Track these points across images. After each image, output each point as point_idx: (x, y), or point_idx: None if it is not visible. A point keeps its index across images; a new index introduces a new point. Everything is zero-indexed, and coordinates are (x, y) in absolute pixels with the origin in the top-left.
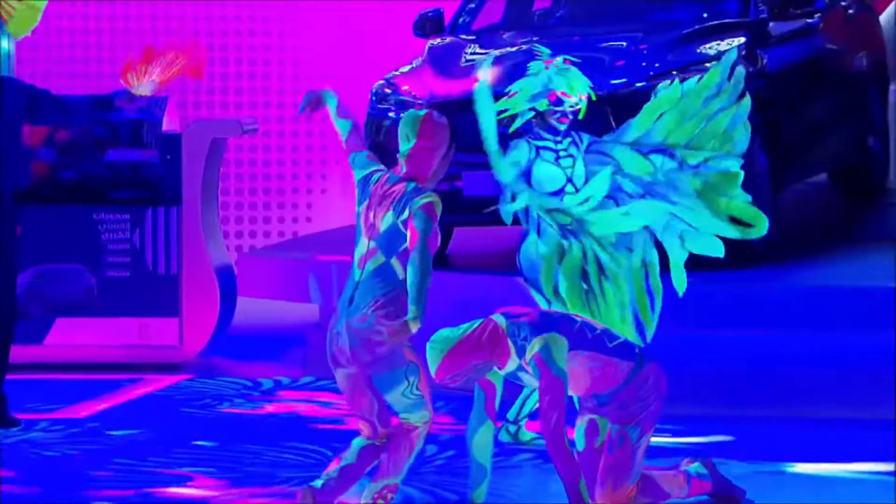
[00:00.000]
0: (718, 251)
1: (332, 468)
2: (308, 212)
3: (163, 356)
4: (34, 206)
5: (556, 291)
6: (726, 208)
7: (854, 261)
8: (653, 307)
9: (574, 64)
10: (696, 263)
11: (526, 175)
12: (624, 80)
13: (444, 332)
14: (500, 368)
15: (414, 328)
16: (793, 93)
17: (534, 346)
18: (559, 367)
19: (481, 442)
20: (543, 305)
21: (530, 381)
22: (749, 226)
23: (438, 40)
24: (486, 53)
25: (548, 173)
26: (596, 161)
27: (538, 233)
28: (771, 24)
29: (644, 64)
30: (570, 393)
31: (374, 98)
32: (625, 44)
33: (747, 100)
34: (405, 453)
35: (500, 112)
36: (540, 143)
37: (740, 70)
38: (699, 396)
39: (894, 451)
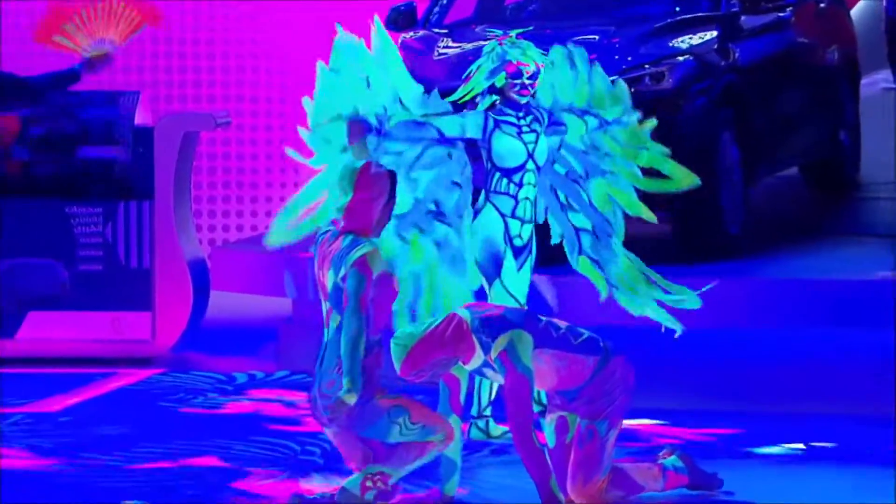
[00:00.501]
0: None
1: (329, 491)
2: (281, 205)
3: (135, 350)
4: (6, 200)
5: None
6: (649, 161)
7: (825, 255)
8: None
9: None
10: (667, 259)
11: (487, 148)
12: None
13: (408, 329)
14: (464, 364)
15: (350, 401)
16: (764, 86)
17: (499, 344)
18: (525, 364)
19: None
20: (486, 288)
21: (495, 377)
22: (666, 178)
23: (411, 34)
24: (458, 47)
25: (509, 147)
26: (553, 132)
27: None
28: (742, 18)
29: (616, 57)
30: (537, 388)
31: None
32: (597, 37)
33: (597, 65)
34: (413, 455)
35: (460, 97)
36: (501, 118)
37: (571, 47)
38: (674, 391)
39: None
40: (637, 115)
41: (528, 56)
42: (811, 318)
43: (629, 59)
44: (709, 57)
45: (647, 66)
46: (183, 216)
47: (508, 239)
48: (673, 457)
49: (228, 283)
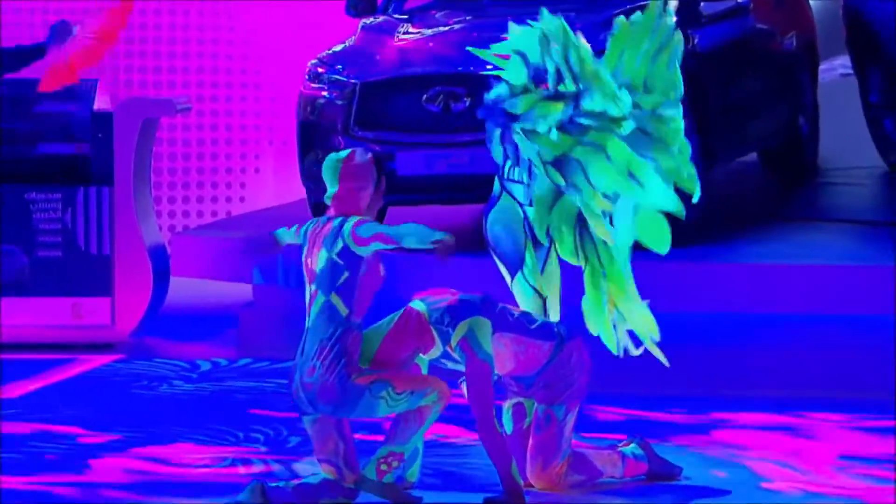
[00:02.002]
0: (662, 245)
1: (293, 482)
2: (241, 191)
3: (95, 336)
4: None
5: (547, 234)
6: (672, 165)
7: (783, 240)
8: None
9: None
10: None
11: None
12: None
13: (367, 333)
14: (423, 354)
15: (449, 241)
16: (723, 72)
17: (458, 332)
18: (485, 350)
19: None
20: (508, 280)
21: (455, 367)
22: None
23: (371, 19)
24: (418, 32)
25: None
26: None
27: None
28: (702, 4)
29: None
30: (496, 373)
31: (307, 77)
32: None
33: (679, 35)
34: (414, 425)
35: (492, 62)
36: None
37: (671, 1)
38: (631, 375)
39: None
40: (679, 111)
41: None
42: (768, 302)
43: (590, 45)
44: None
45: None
46: (143, 202)
47: (528, 227)
48: (633, 444)
49: (188, 268)
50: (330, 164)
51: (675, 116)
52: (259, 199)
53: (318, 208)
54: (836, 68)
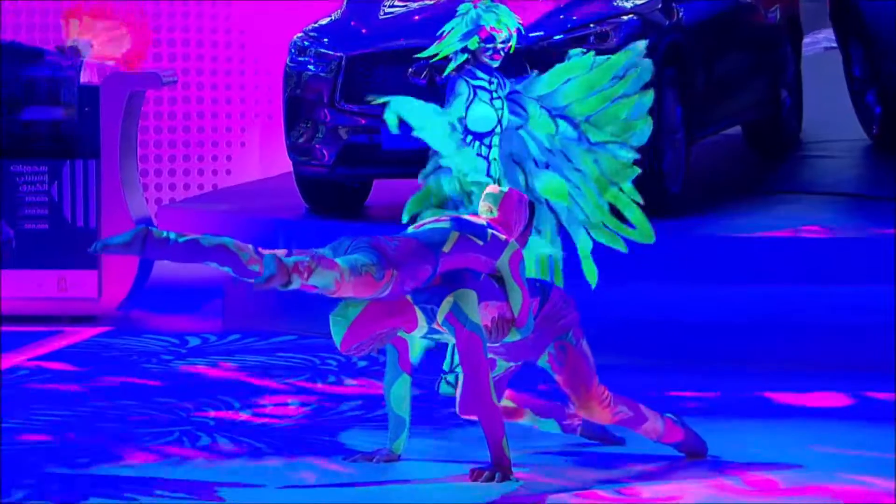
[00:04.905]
0: (622, 246)
1: (184, 236)
2: (227, 164)
3: (82, 308)
4: None
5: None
6: (613, 198)
7: (766, 213)
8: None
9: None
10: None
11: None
12: (541, 33)
13: (347, 303)
14: (408, 332)
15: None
16: (707, 46)
17: (443, 308)
18: (472, 321)
19: (398, 394)
20: None
21: (449, 339)
22: (630, 225)
23: None
24: (404, 6)
25: (484, 114)
26: (511, 111)
27: None
28: None
29: (562, 17)
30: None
31: (293, 51)
32: None
33: (651, 93)
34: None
35: (432, 55)
36: (475, 83)
37: (648, 62)
38: (615, 348)
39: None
40: (634, 155)
41: (502, 22)
42: (752, 275)
43: (574, 18)
44: (653, 16)
45: (592, 25)
46: (129, 175)
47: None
48: (669, 413)
49: None
50: (491, 192)
51: (625, 158)
52: (245, 171)
53: (304, 181)
54: (819, 42)
